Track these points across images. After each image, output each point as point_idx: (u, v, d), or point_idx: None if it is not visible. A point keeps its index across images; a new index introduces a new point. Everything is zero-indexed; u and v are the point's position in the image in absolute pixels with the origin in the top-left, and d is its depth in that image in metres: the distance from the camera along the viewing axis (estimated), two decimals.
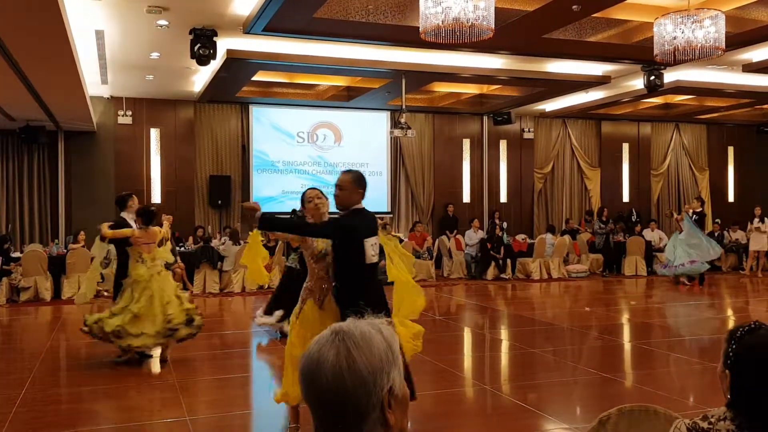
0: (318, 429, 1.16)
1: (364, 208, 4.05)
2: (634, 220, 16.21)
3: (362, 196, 4.04)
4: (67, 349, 7.88)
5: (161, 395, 5.56)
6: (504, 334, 8.67)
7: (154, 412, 5.23)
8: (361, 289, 3.95)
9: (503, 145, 16.40)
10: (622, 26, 9.44)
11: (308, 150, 14.90)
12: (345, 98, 13.98)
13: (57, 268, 11.23)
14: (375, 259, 4.04)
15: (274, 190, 14.61)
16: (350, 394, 1.11)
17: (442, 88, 13.86)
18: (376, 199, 15.32)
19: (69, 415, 5.10)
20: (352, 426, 1.12)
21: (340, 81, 13.15)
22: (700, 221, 13.04)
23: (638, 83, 12.07)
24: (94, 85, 11.77)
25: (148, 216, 6.61)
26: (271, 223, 4.03)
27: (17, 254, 11.48)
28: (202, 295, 11.61)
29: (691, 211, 12.99)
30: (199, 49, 8.77)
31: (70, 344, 8.04)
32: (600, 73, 11.97)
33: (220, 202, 14.11)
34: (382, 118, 15.32)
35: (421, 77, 11.62)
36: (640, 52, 9.96)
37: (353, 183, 3.98)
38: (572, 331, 8.51)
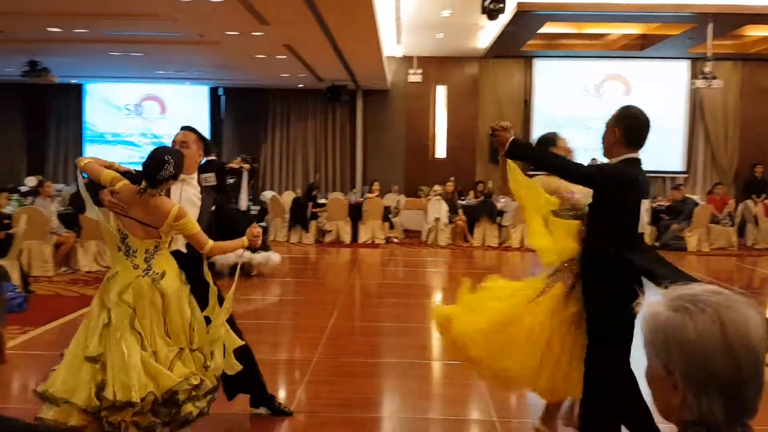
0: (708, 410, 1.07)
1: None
2: None
3: None
4: (362, 287, 8.74)
5: None
6: None
7: (445, 354, 5.52)
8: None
9: None
10: None
11: (593, 105, 14.20)
12: (638, 47, 12.99)
13: (355, 214, 12.40)
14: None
15: None
16: (746, 373, 1.04)
17: (757, 31, 12.13)
18: (669, 156, 14.12)
19: (369, 347, 5.66)
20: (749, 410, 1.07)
21: (634, 28, 12.22)
22: None
23: None
24: (389, 45, 12.55)
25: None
26: (520, 150, 3.13)
27: (323, 200, 12.93)
28: (482, 248, 11.92)
29: None
30: (489, 3, 8.76)
31: (364, 283, 8.98)
32: None
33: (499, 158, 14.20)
34: (681, 68, 13.95)
35: (732, 20, 10.28)
36: None
37: None
38: None
